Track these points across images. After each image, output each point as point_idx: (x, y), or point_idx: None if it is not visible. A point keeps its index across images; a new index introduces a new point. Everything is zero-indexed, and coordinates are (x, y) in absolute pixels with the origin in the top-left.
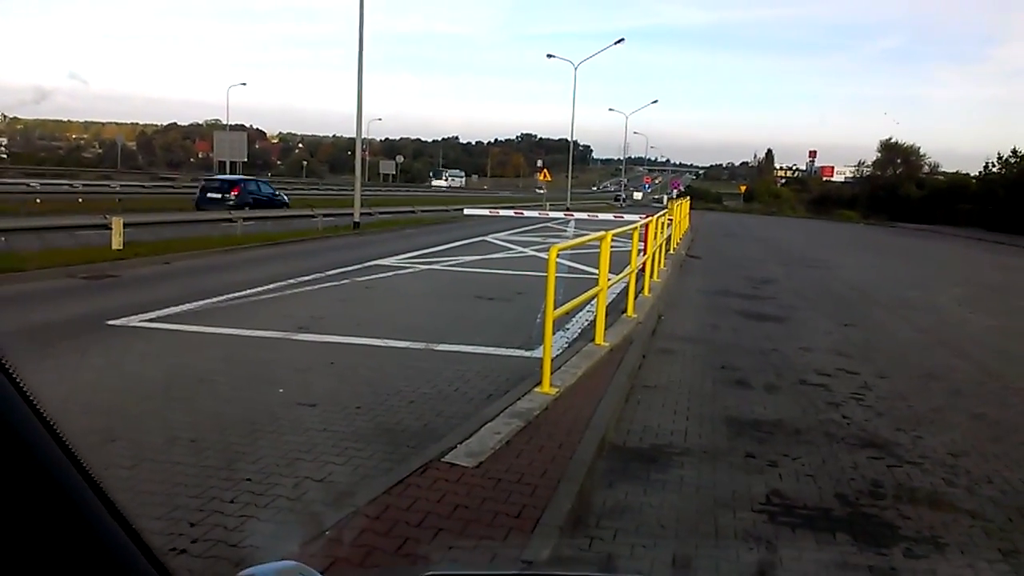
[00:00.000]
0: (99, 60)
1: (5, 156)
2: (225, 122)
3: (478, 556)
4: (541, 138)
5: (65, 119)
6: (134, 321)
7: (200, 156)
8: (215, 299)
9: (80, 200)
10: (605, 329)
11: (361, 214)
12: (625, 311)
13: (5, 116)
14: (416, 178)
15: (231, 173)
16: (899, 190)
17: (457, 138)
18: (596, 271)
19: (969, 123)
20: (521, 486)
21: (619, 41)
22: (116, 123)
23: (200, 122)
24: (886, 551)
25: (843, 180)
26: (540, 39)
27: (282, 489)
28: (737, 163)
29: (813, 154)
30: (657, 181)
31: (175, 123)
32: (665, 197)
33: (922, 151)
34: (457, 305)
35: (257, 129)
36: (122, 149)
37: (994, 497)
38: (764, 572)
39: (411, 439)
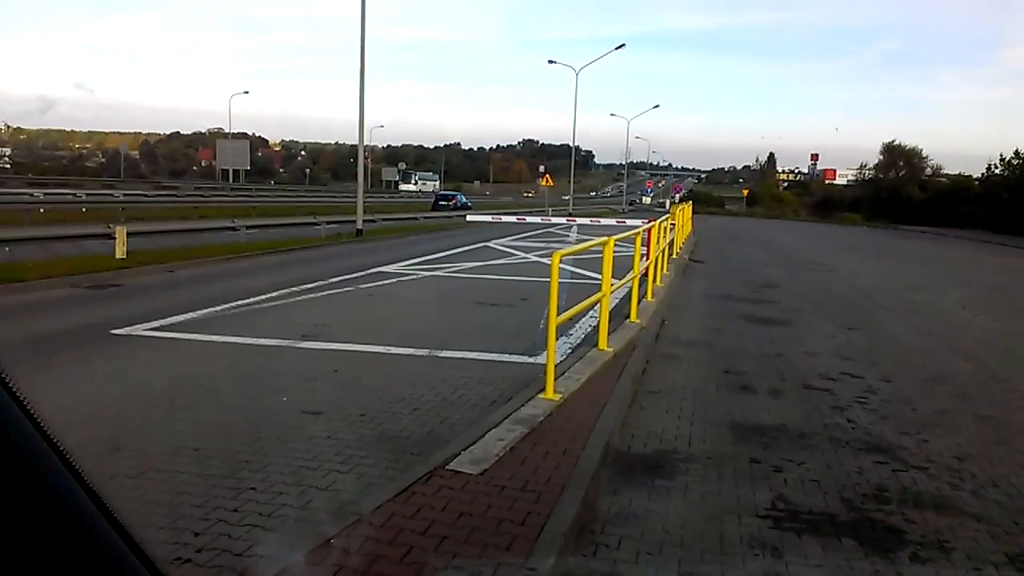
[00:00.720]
0: (102, 70)
1: (8, 166)
2: (228, 130)
3: (482, 565)
4: (543, 143)
5: (68, 129)
6: (138, 330)
7: (203, 164)
8: (219, 307)
9: (83, 210)
10: (608, 334)
11: (364, 221)
12: (628, 316)
13: (8, 126)
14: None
15: (234, 180)
16: (902, 192)
17: (459, 144)
18: (599, 276)
19: (972, 125)
20: (526, 493)
21: (620, 47)
22: (119, 132)
23: (203, 130)
24: (892, 556)
25: (845, 183)
26: (541, 45)
27: (286, 498)
28: (739, 166)
29: (815, 157)
30: (660, 185)
31: (178, 132)
32: (667, 201)
33: (924, 153)
34: (460, 311)
35: (259, 137)
36: (125, 158)
37: (1000, 500)
38: None
39: (415, 446)
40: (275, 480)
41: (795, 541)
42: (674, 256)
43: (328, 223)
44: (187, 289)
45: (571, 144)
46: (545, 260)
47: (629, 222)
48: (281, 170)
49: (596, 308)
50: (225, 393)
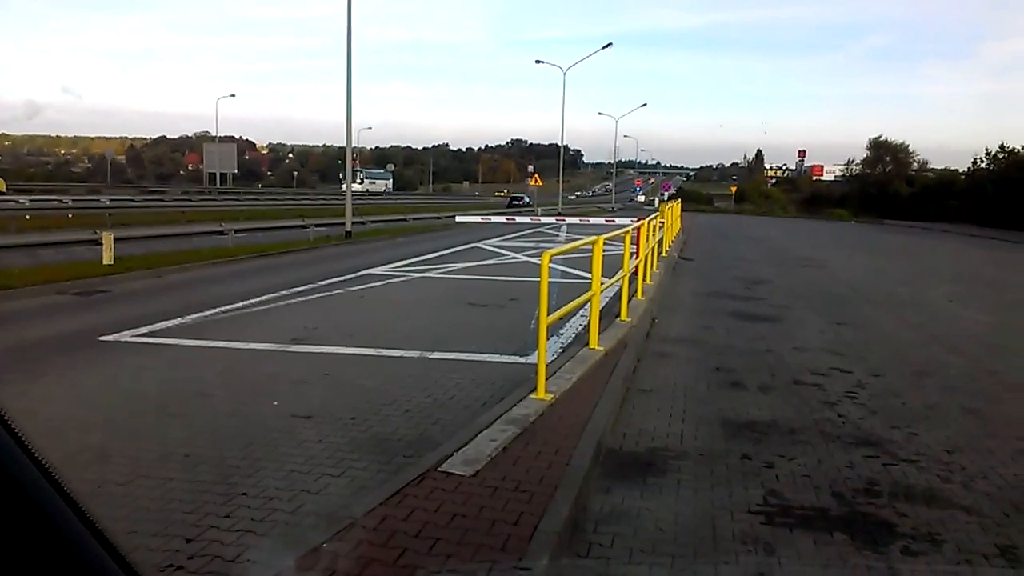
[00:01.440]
0: (88, 74)
1: None
2: (215, 134)
3: (476, 567)
4: (531, 143)
5: (54, 134)
6: (127, 336)
7: (190, 168)
8: (208, 312)
9: (70, 216)
10: (599, 333)
11: (353, 223)
12: (619, 315)
13: None
14: (407, 186)
15: (221, 184)
16: (889, 188)
17: (448, 145)
18: (589, 275)
19: (957, 119)
20: (518, 493)
21: (607, 46)
22: (105, 137)
23: (190, 134)
24: (884, 550)
25: (833, 179)
26: (529, 45)
27: (278, 503)
28: (727, 164)
29: (803, 154)
30: (650, 182)
31: (164, 136)
32: (656, 199)
33: (911, 148)
34: (450, 312)
35: (247, 140)
36: (111, 163)
37: (990, 493)
38: (763, 574)
39: (407, 448)
40: (266, 485)
41: (787, 536)
42: (664, 254)
43: (317, 226)
44: (175, 294)
45: (560, 144)
46: (535, 260)
47: (619, 220)
48: (269, 173)
49: (586, 307)
50: (215, 398)
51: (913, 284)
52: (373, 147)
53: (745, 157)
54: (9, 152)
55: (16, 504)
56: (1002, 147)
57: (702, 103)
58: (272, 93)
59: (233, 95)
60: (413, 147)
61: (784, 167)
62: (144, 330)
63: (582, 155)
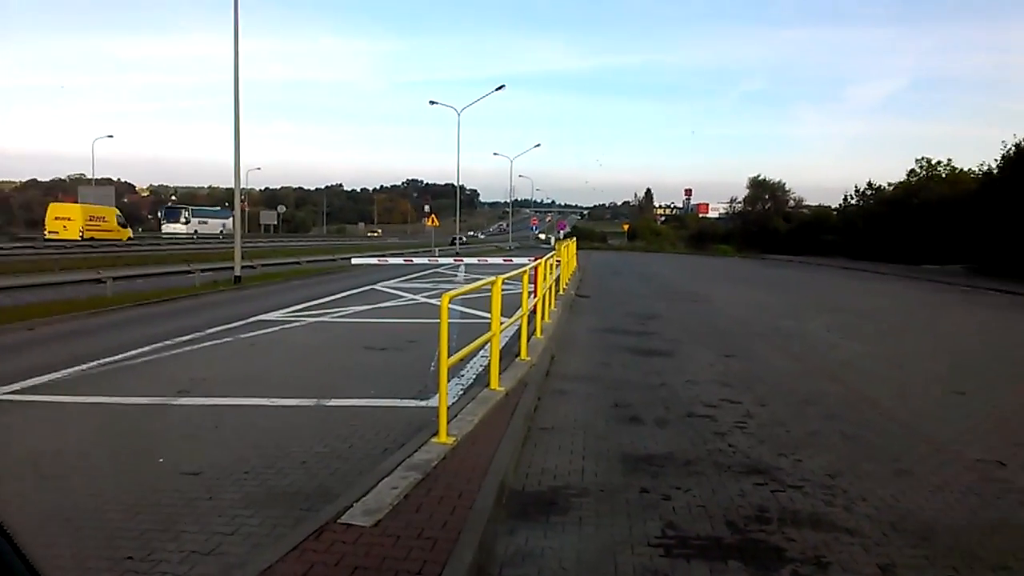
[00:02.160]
0: None
1: None
2: (91, 176)
3: None
4: (428, 183)
5: None
6: None
7: None
8: (85, 366)
9: None
10: (500, 373)
11: (242, 267)
12: (519, 354)
13: None
14: (299, 227)
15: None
16: (769, 224)
17: (341, 185)
18: (488, 315)
19: (830, 159)
20: (421, 541)
21: (500, 87)
22: None
23: (63, 177)
24: (774, 574)
25: (718, 216)
26: (423, 85)
27: (167, 565)
28: (619, 202)
29: (689, 192)
30: (547, 220)
31: (35, 179)
32: (552, 238)
33: (788, 187)
34: (347, 357)
35: (126, 183)
36: None
37: (870, 514)
38: None
39: (304, 501)
40: (154, 548)
41: (685, 567)
42: (561, 292)
43: (203, 271)
44: (49, 348)
45: (456, 184)
46: (433, 301)
47: (516, 260)
48: (150, 216)
49: (486, 348)
50: (95, 458)
51: (794, 316)
52: (263, 188)
53: (636, 196)
54: None
55: None
56: (870, 184)
57: (594, 143)
58: (153, 133)
59: (111, 136)
60: (305, 187)
61: (672, 205)
62: (16, 387)
63: (479, 195)
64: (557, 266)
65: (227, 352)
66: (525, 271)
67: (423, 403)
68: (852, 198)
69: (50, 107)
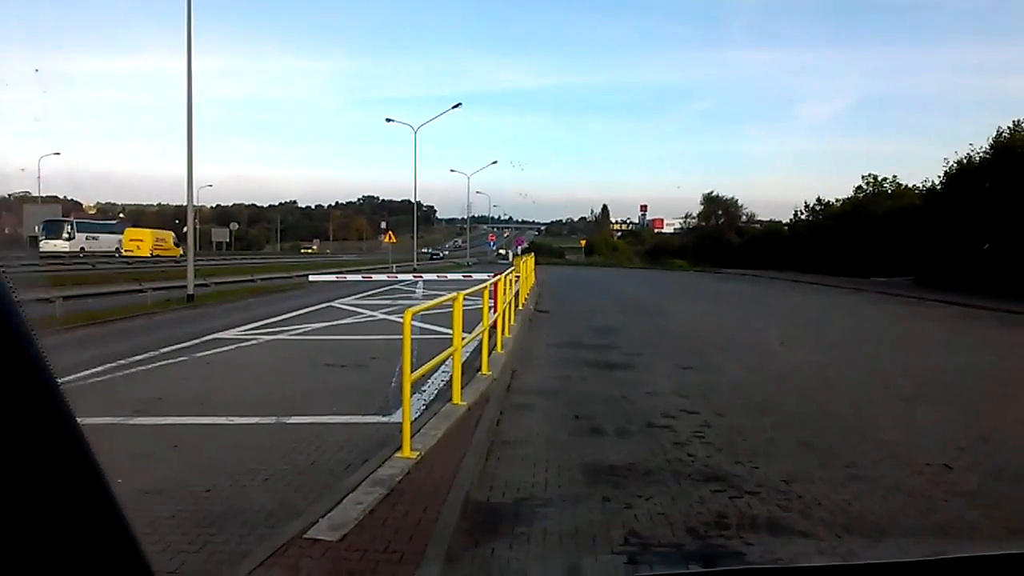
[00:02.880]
0: None
1: None
2: (36, 194)
3: None
4: (384, 199)
5: None
6: None
7: (6, 232)
8: None
9: None
10: (462, 388)
11: (196, 285)
12: (480, 369)
13: None
14: (252, 245)
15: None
16: (722, 239)
17: (296, 202)
18: (449, 331)
19: (780, 175)
20: (388, 555)
21: (456, 105)
22: None
23: (6, 195)
24: None
25: (673, 231)
26: (378, 103)
27: None
28: (576, 218)
29: (644, 208)
30: (505, 236)
31: None
32: (510, 253)
33: (740, 202)
34: (307, 375)
35: (73, 200)
36: None
37: (824, 518)
38: None
39: (268, 518)
40: None
41: (648, 572)
42: (520, 307)
43: (155, 289)
44: None
45: (413, 200)
46: (392, 317)
47: (476, 276)
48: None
49: (448, 363)
50: None
51: (748, 328)
52: (214, 205)
53: (592, 212)
54: None
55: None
56: (818, 200)
57: (550, 160)
58: (101, 150)
59: (57, 153)
60: (258, 204)
61: (628, 221)
62: None
63: (435, 211)
64: (516, 282)
65: (182, 371)
66: (485, 287)
67: (386, 419)
68: (802, 213)
69: None
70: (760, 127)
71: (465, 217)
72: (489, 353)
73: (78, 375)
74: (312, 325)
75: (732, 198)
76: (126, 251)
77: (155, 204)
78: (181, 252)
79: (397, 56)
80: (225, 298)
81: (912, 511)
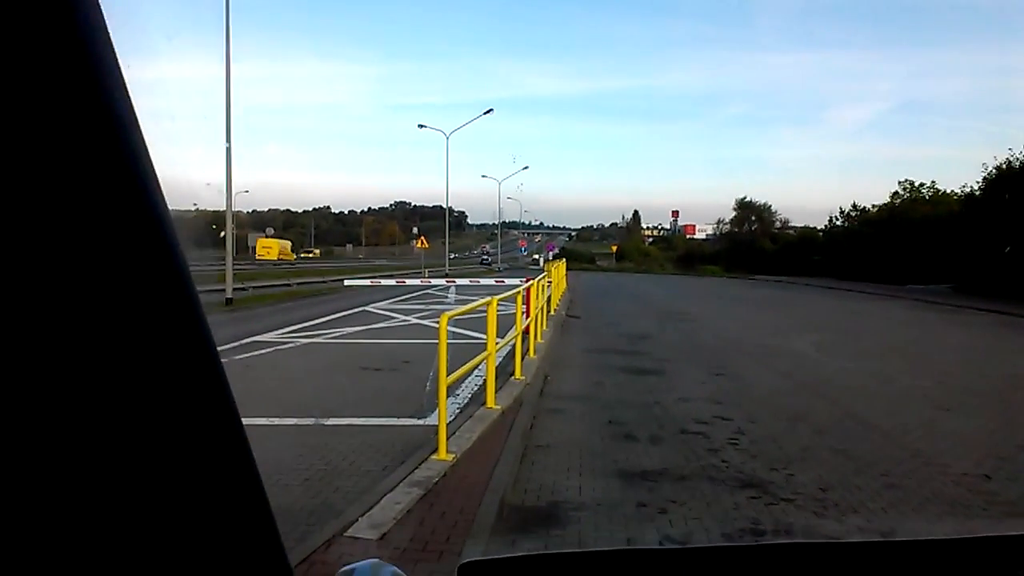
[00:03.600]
0: None
1: None
2: None
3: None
4: (416, 205)
5: None
6: None
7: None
8: None
9: None
10: (496, 392)
11: (234, 289)
12: (513, 373)
13: None
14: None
15: None
16: (756, 245)
17: (329, 208)
18: (480, 335)
19: (814, 181)
20: (426, 554)
21: (488, 111)
22: None
23: None
24: None
25: (705, 237)
26: (411, 109)
27: None
28: (607, 224)
29: (676, 214)
30: (537, 240)
31: None
32: (541, 259)
33: (774, 208)
34: (344, 378)
35: None
36: None
37: (860, 525)
38: None
39: (309, 517)
40: None
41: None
42: (552, 312)
43: None
44: None
45: (445, 206)
46: (426, 322)
47: (508, 281)
48: None
49: (481, 367)
50: None
51: (782, 335)
52: (251, 210)
53: (623, 217)
54: None
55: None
56: (854, 206)
57: (581, 165)
58: None
59: None
60: (293, 210)
61: (660, 226)
62: None
63: (467, 216)
64: (548, 287)
65: None
66: (519, 291)
67: (421, 421)
68: (838, 219)
69: None
70: (794, 131)
71: (496, 223)
72: (522, 358)
73: None
74: (348, 329)
75: (766, 203)
76: (259, 257)
77: (193, 208)
78: (295, 256)
79: (431, 62)
80: (263, 301)
81: (950, 520)
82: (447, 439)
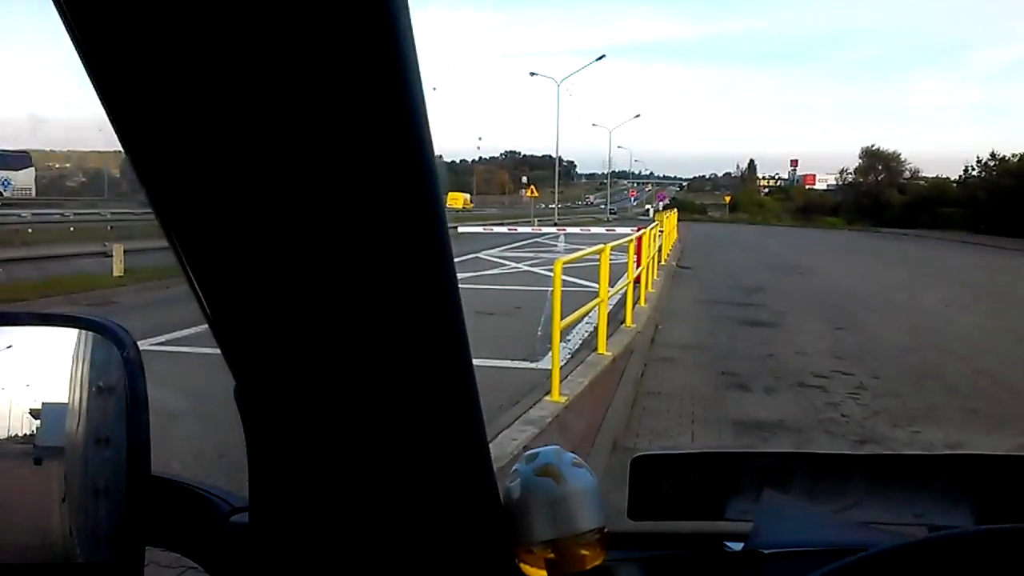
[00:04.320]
0: (86, 86)
1: None
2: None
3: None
4: (525, 155)
5: (48, 149)
6: (144, 345)
7: None
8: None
9: (71, 229)
10: (607, 339)
11: None
12: (624, 321)
13: None
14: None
15: None
16: (882, 196)
17: (441, 157)
18: (588, 283)
19: (948, 128)
20: None
21: (600, 58)
22: (98, 152)
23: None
24: None
25: (826, 187)
26: (523, 57)
27: None
28: (720, 174)
29: (795, 163)
30: (647, 189)
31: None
32: (651, 209)
33: (903, 156)
34: None
35: None
36: (108, 177)
37: None
38: None
39: None
40: None
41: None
42: (663, 263)
43: None
44: (187, 305)
45: (554, 155)
46: (536, 269)
47: (618, 230)
48: None
49: (592, 314)
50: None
51: (908, 290)
52: None
53: (738, 167)
54: None
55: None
56: (992, 155)
57: (695, 113)
58: None
59: None
60: None
61: (777, 176)
62: (161, 339)
63: (575, 166)
64: (659, 236)
65: None
66: (631, 240)
67: (533, 365)
68: (973, 169)
69: None
70: (927, 76)
71: (605, 172)
72: (633, 307)
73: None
74: (461, 275)
75: (894, 152)
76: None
77: None
78: (473, 206)
79: (542, 8)
80: None
81: None
82: (560, 383)
